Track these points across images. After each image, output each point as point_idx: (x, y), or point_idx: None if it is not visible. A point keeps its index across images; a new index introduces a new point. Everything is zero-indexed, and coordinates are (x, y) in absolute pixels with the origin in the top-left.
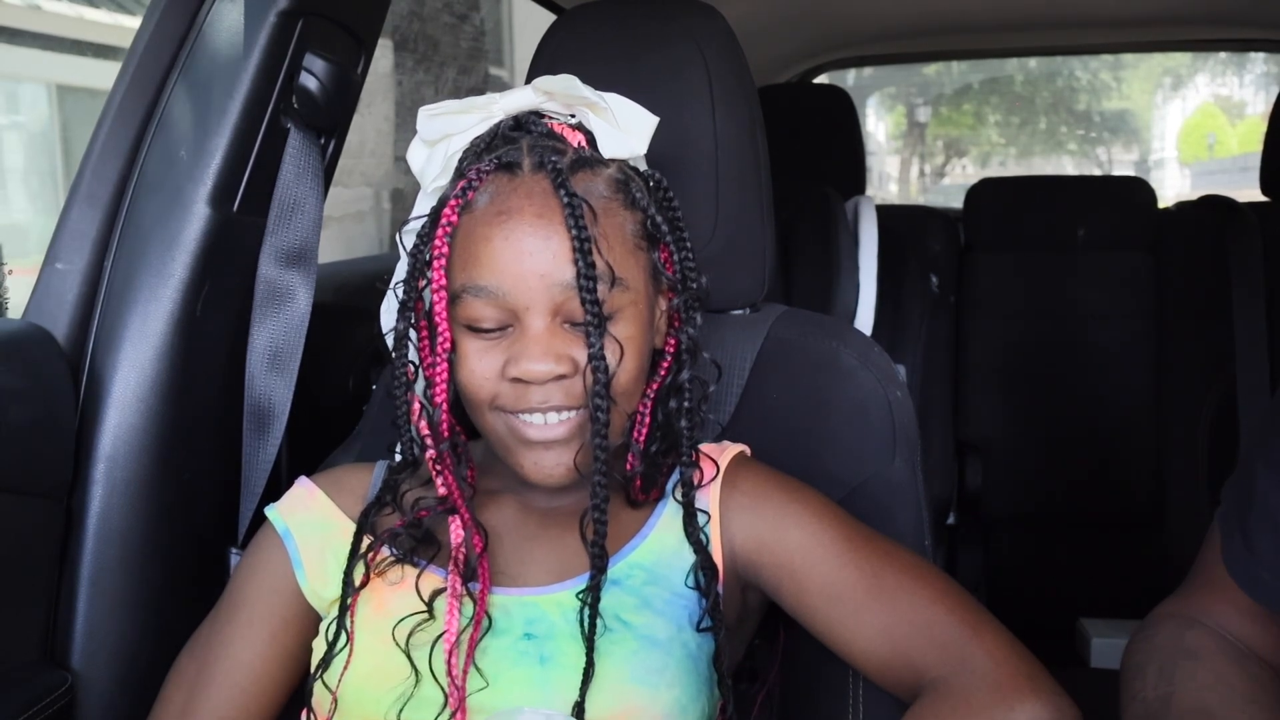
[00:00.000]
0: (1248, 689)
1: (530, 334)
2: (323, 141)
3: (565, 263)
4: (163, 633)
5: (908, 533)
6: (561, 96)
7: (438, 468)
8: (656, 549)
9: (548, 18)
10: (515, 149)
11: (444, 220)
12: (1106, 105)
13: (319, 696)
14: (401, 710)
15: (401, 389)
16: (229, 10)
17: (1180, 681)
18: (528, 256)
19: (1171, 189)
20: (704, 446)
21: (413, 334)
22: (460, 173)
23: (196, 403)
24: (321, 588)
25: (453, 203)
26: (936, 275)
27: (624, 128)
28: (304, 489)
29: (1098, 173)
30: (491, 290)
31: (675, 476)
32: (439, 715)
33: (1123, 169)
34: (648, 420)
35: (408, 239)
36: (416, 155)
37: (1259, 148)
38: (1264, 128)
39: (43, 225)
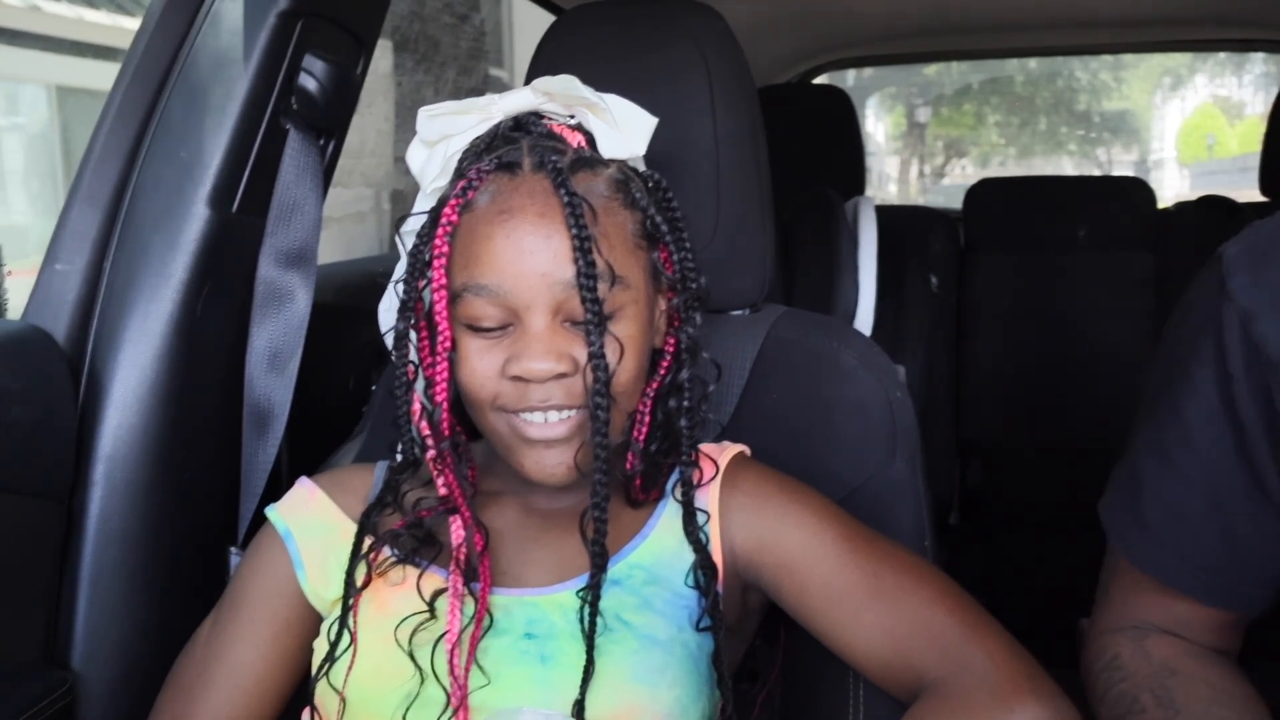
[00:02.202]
0: (1240, 690)
1: (531, 332)
2: (322, 142)
3: (566, 261)
4: (163, 633)
5: (908, 533)
6: (561, 97)
7: (438, 467)
8: (657, 549)
9: (548, 18)
10: (515, 149)
11: (444, 220)
12: (1106, 106)
13: (322, 697)
14: (407, 711)
15: (402, 389)
16: (229, 11)
17: (1185, 704)
18: (528, 255)
19: (1171, 189)
20: (704, 446)
21: (413, 334)
22: (460, 173)
23: (196, 403)
24: (323, 588)
25: (453, 202)
26: (936, 275)
27: (623, 128)
28: (305, 489)
29: (1097, 173)
30: (492, 289)
31: (675, 476)
32: (442, 715)
33: (1122, 169)
34: (648, 419)
35: (407, 239)
36: (416, 156)
37: (1258, 148)
38: (1263, 128)
39: (42, 226)
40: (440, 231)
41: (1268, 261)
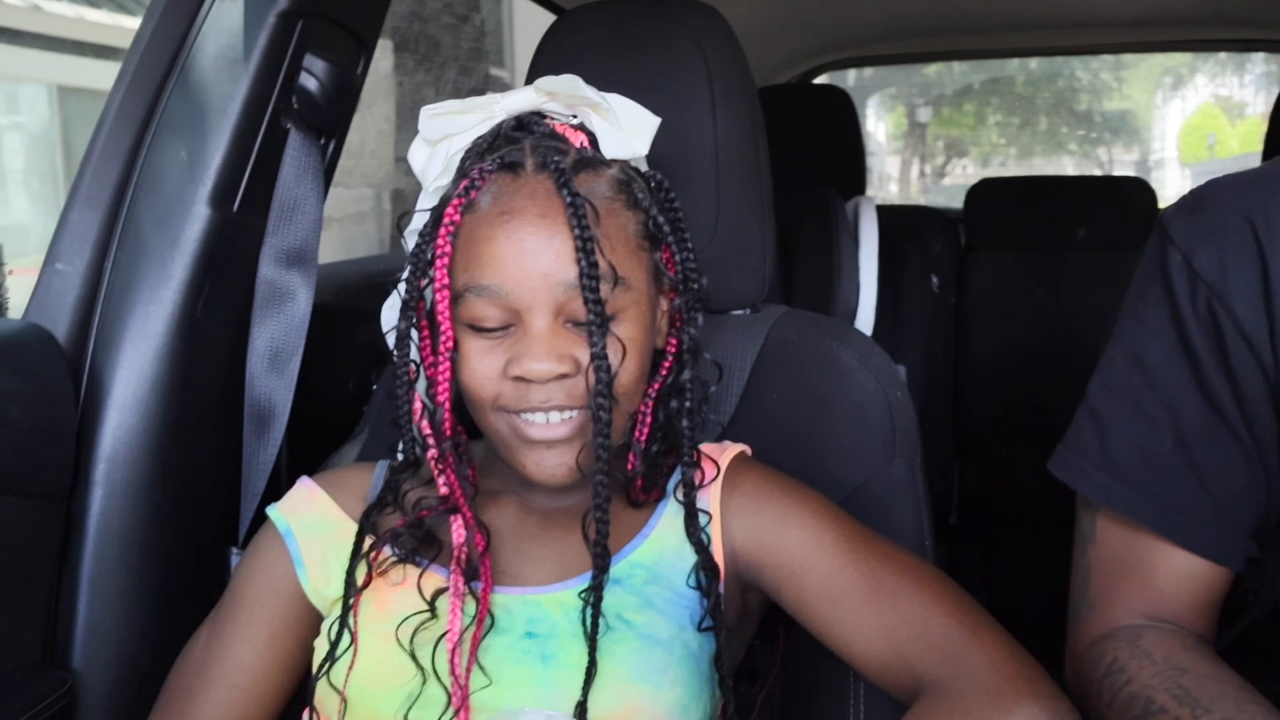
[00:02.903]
0: (1251, 686)
1: (532, 333)
2: (323, 142)
3: (568, 262)
4: (163, 633)
5: (908, 533)
6: (563, 97)
7: (440, 467)
8: (657, 548)
9: (548, 18)
10: (518, 149)
11: (447, 220)
12: (1107, 105)
13: (322, 697)
14: (408, 711)
15: (403, 388)
16: (229, 11)
17: (1211, 702)
18: (531, 256)
19: (1172, 189)
20: (704, 446)
21: (414, 333)
22: (463, 172)
23: (197, 403)
24: (324, 587)
25: (455, 202)
26: (937, 275)
27: (626, 128)
28: (305, 489)
29: (1098, 173)
30: (494, 290)
31: (676, 476)
32: (443, 714)
33: (1123, 169)
34: (649, 420)
35: (410, 239)
36: (418, 155)
37: (1259, 148)
38: (1264, 128)
39: (43, 226)
40: (442, 231)
41: (1202, 208)
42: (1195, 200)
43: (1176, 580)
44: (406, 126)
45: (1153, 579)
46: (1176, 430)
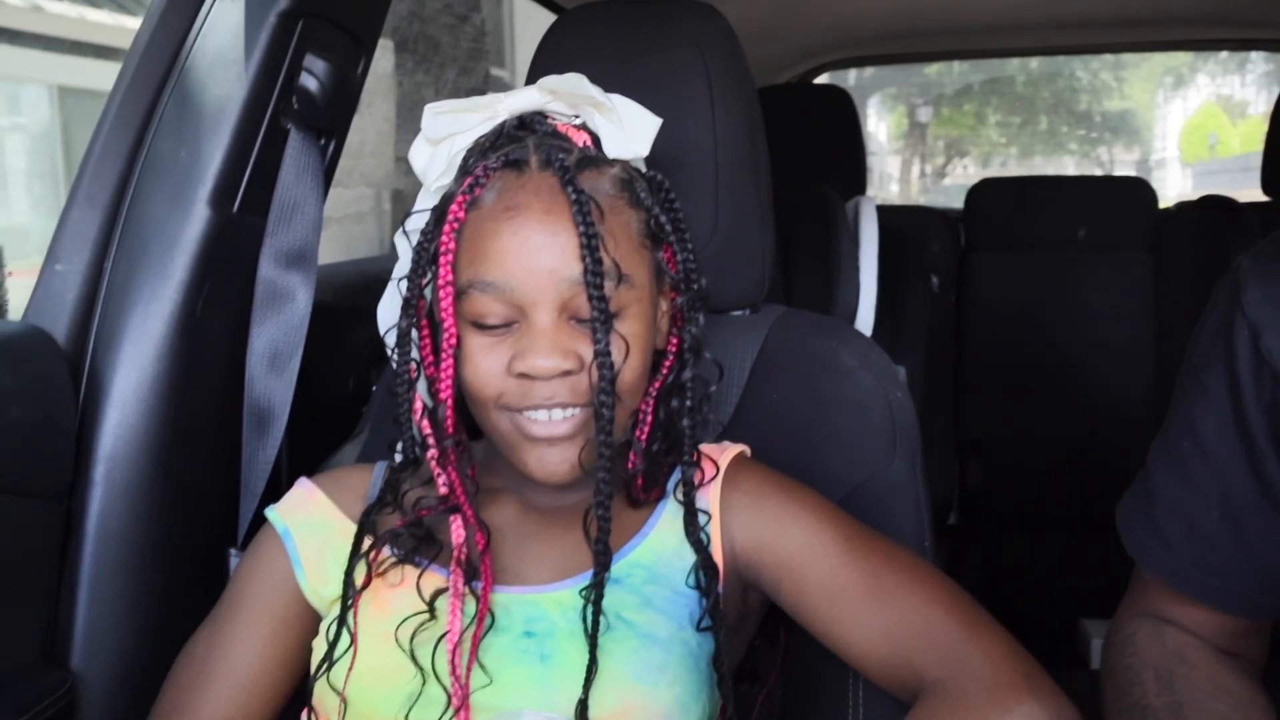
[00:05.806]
0: (1245, 693)
1: (536, 329)
2: (323, 142)
3: (573, 259)
4: (162, 633)
5: (908, 533)
6: (567, 96)
7: (441, 465)
8: (657, 548)
9: (548, 18)
10: (521, 147)
11: (451, 216)
12: (1107, 105)
13: (321, 697)
14: (409, 711)
15: (404, 386)
16: (229, 11)
17: (1183, 690)
18: (536, 252)
19: (1173, 189)
20: (704, 447)
21: (414, 332)
22: (466, 170)
23: (196, 404)
24: (322, 587)
25: (460, 199)
26: (937, 275)
27: (628, 129)
28: (304, 489)
29: (1099, 173)
30: (499, 285)
31: (676, 476)
32: (443, 714)
33: (1124, 169)
34: (650, 419)
35: (412, 237)
36: (420, 154)
37: (1260, 147)
38: (1265, 127)
39: (43, 226)
40: (447, 228)
41: (1278, 275)
42: (1275, 260)
43: (1207, 620)
44: (406, 126)
45: (1186, 611)
46: (1225, 503)
